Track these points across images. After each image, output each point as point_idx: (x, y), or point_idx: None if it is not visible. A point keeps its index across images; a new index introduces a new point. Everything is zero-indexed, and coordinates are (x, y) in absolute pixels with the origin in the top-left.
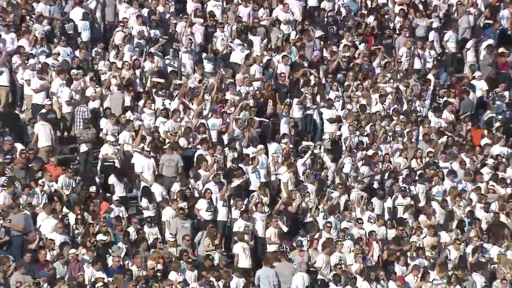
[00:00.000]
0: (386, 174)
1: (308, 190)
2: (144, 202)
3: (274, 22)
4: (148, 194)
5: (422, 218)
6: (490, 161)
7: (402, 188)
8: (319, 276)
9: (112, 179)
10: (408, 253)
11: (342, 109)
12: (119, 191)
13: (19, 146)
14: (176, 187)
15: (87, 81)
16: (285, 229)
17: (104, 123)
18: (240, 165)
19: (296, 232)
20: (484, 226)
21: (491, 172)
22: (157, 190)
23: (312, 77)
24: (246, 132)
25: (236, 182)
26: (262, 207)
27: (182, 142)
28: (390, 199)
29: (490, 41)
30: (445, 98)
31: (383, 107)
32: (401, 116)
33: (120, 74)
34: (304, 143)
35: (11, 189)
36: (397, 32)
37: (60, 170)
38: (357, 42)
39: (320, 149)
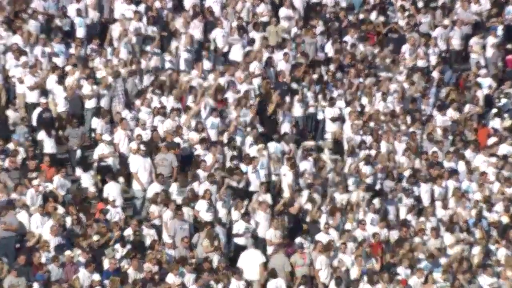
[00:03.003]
0: (388, 174)
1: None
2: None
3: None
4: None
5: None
6: (494, 160)
7: (406, 188)
8: (321, 279)
9: (41, 135)
10: (414, 253)
11: (346, 107)
12: (48, 147)
13: (11, 147)
14: (174, 187)
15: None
16: None
17: (96, 123)
18: (241, 164)
19: (298, 233)
20: (488, 227)
21: (496, 172)
22: (154, 189)
23: (314, 75)
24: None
25: (231, 182)
26: (266, 207)
27: (177, 141)
28: (392, 200)
29: (497, 38)
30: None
31: (386, 105)
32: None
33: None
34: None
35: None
36: (402, 28)
37: (53, 170)
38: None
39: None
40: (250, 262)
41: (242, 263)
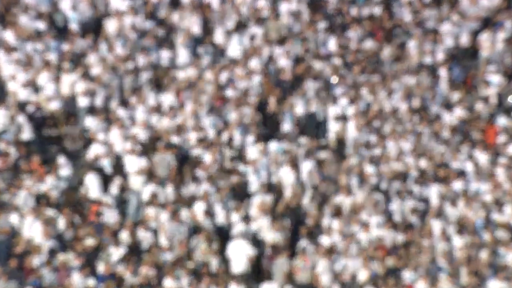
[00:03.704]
0: (395, 175)
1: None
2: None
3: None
4: None
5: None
6: (504, 161)
7: (412, 189)
8: (323, 284)
9: (21, 119)
10: (419, 258)
11: (349, 105)
12: (26, 132)
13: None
14: (171, 188)
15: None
16: None
17: (90, 121)
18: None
19: (299, 236)
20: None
21: (505, 172)
22: (149, 189)
23: (316, 72)
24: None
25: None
26: (268, 208)
27: (176, 140)
28: (397, 201)
29: (506, 33)
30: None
31: (391, 104)
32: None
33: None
34: None
35: None
36: (407, 24)
37: (43, 171)
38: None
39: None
40: (238, 254)
41: (230, 254)
